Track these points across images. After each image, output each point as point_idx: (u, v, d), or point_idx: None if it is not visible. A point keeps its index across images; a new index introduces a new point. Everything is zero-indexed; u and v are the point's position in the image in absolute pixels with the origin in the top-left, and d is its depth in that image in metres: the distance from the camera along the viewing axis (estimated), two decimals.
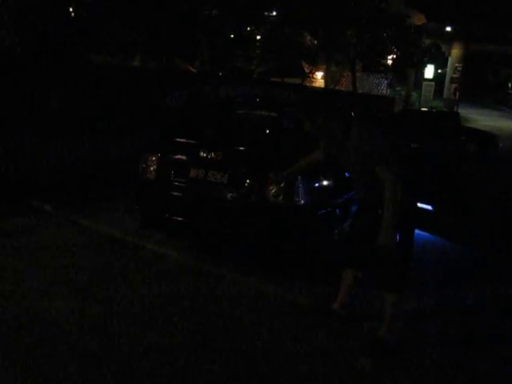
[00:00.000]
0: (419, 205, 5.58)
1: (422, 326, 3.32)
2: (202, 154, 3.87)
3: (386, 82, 22.66)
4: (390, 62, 19.79)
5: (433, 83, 25.62)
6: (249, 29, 30.92)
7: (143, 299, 3.37)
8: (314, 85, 25.00)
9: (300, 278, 3.84)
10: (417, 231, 5.38)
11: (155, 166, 4.07)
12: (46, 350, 2.69)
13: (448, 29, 29.24)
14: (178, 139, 4.14)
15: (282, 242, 3.64)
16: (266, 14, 26.80)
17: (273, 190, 3.55)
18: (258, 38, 29.53)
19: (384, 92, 22.35)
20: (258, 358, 2.76)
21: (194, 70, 20.65)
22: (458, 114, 9.91)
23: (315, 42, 21.17)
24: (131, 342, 2.82)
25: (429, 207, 5.64)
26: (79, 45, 12.41)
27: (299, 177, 3.47)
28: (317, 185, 3.79)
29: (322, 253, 3.72)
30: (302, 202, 3.52)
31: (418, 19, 22.23)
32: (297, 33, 23.93)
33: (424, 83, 25.59)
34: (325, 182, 3.82)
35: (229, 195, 3.76)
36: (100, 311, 3.15)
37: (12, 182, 5.58)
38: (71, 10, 13.91)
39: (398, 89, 24.77)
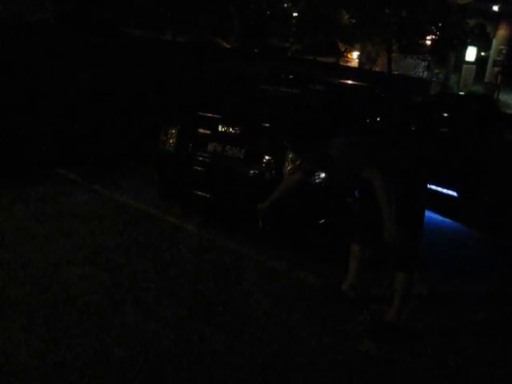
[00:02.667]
0: (443, 190, 5.47)
1: (432, 312, 3.27)
2: (220, 128, 3.86)
3: (423, 63, 21.89)
4: (428, 42, 19.01)
5: (474, 66, 24.54)
6: (286, 5, 30.44)
7: (154, 268, 3.44)
8: (348, 64, 24.47)
9: (315, 258, 3.82)
10: (439, 217, 5.32)
11: (174, 139, 4.10)
12: (58, 312, 2.79)
13: (495, 8, 27.80)
14: (198, 113, 4.14)
15: (297, 219, 3.63)
16: None
17: (289, 167, 3.52)
18: (295, 15, 29.05)
19: (421, 74, 21.62)
20: (259, 325, 2.81)
21: (226, 46, 20.51)
22: (492, 98, 9.50)
23: (352, 20, 20.54)
24: (137, 310, 2.89)
25: (454, 193, 5.51)
26: (115, 18, 12.48)
27: None
28: None
29: (335, 232, 3.67)
30: (318, 180, 3.48)
31: None
32: (333, 10, 23.31)
33: (464, 66, 24.51)
34: None
35: (245, 170, 3.75)
36: (111, 277, 3.24)
37: (41, 152, 5.71)
38: None
39: (436, 71, 23.89)
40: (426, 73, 22.82)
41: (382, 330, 2.90)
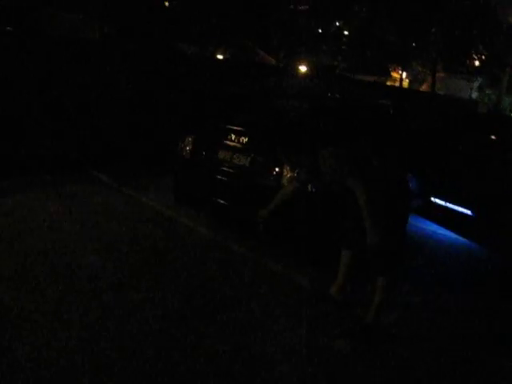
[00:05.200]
0: (458, 208, 5.49)
1: (423, 321, 3.37)
2: (230, 137, 4.17)
3: (474, 84, 21.42)
4: (477, 63, 18.63)
5: None
6: (338, 24, 30.69)
7: (164, 264, 3.74)
8: (395, 84, 24.33)
9: (310, 261, 4.00)
10: (453, 234, 5.34)
11: (190, 147, 4.45)
12: (71, 295, 3.15)
13: None
14: (212, 123, 4.47)
15: (294, 225, 3.84)
16: (356, 9, 26.46)
17: (287, 175, 3.76)
18: (346, 33, 29.27)
19: (471, 95, 21.14)
20: (245, 323, 3.03)
21: (273, 63, 21.02)
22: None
23: (401, 40, 20.51)
24: (144, 298, 3.20)
25: (468, 212, 5.51)
26: (163, 34, 13.25)
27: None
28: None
29: (328, 237, 3.84)
30: (314, 190, 3.69)
31: None
32: (384, 30, 23.36)
33: None
34: None
35: (249, 177, 4.02)
36: (123, 268, 3.58)
37: (77, 154, 6.27)
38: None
39: (487, 92, 23.29)
40: (476, 94, 22.31)
41: (358, 330, 3.05)
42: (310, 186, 3.62)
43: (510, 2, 17.69)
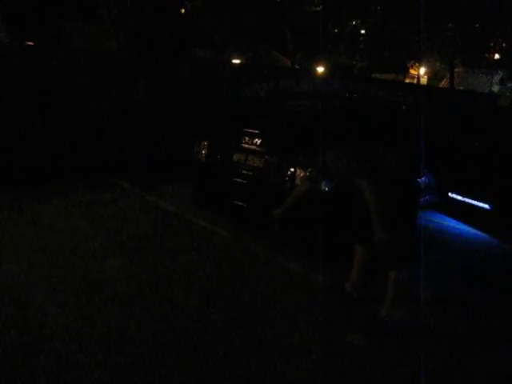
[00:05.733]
0: (475, 203, 5.46)
1: (438, 315, 3.39)
2: (244, 140, 4.28)
3: (495, 78, 21.05)
4: (497, 56, 18.32)
5: None
6: (354, 23, 30.58)
7: (182, 266, 3.86)
8: (414, 81, 24.09)
9: (325, 259, 4.06)
10: (471, 229, 5.32)
11: (205, 151, 4.57)
12: (93, 295, 3.30)
13: None
14: (226, 126, 4.59)
15: (308, 223, 3.92)
16: (372, 8, 26.31)
17: (300, 175, 3.84)
18: (362, 32, 29.12)
19: (491, 89, 20.78)
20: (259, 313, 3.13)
21: (288, 64, 21.10)
22: None
23: (418, 36, 20.33)
24: (161, 295, 3.33)
25: (486, 206, 5.48)
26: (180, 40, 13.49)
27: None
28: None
29: (343, 235, 3.89)
30: (326, 189, 3.75)
31: None
32: (401, 28, 23.18)
33: None
34: None
35: (265, 178, 4.12)
36: (143, 271, 3.71)
37: (100, 163, 6.50)
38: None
39: (510, 85, 22.85)
40: (498, 87, 21.91)
41: (371, 324, 3.11)
42: (322, 185, 3.69)
43: None
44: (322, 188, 3.75)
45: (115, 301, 3.22)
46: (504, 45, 16.71)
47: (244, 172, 4.28)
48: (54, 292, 3.28)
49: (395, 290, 3.12)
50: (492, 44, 16.78)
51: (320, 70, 22.13)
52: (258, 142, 4.18)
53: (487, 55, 17.40)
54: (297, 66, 22.18)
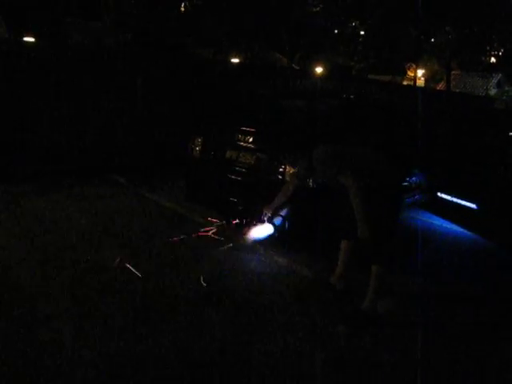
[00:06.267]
0: (462, 202, 5.61)
1: (421, 307, 3.52)
2: (236, 137, 4.40)
3: (492, 81, 21.21)
4: (493, 59, 18.48)
5: None
6: (353, 24, 30.70)
7: (177, 258, 3.97)
8: (411, 83, 24.24)
9: (312, 253, 4.20)
10: (456, 227, 5.45)
11: (199, 147, 4.69)
12: (93, 283, 3.41)
13: None
14: (220, 124, 4.71)
15: (297, 219, 4.05)
16: (371, 9, 26.43)
17: (289, 172, 3.97)
18: (362, 33, 29.26)
19: (487, 92, 20.95)
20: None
21: (286, 64, 21.21)
22: None
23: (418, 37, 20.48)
24: (157, 286, 3.44)
25: (473, 205, 5.62)
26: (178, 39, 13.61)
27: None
28: None
29: (329, 229, 4.01)
30: (313, 185, 3.89)
31: None
32: (400, 29, 23.34)
33: None
34: None
35: (256, 175, 4.24)
36: (138, 262, 3.82)
37: (100, 160, 6.62)
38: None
39: (507, 89, 23.02)
40: (495, 91, 22.08)
41: (355, 316, 3.23)
42: (310, 182, 3.82)
43: None
44: (309, 184, 3.89)
45: (110, 289, 3.33)
46: (501, 52, 16.86)
47: (236, 168, 4.40)
48: (46, 280, 3.40)
49: (378, 283, 3.24)
50: (488, 47, 16.91)
51: (318, 70, 22.27)
52: (250, 139, 4.29)
53: (483, 58, 17.55)
54: (294, 66, 22.28)
